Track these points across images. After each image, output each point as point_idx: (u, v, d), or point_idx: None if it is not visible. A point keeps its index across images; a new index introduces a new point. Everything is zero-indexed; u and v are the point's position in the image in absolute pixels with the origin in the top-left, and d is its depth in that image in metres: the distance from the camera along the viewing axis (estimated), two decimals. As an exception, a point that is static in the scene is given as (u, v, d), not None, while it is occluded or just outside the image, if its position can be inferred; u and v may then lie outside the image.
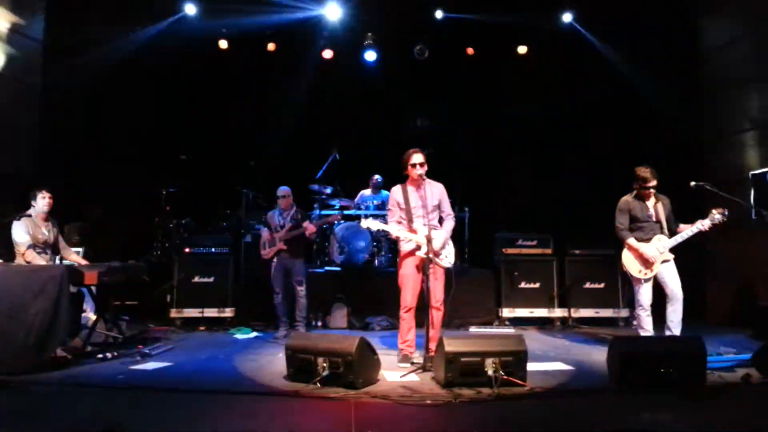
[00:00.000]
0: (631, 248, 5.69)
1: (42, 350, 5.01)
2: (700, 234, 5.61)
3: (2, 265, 5.56)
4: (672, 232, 5.67)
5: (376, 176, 9.36)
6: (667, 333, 5.54)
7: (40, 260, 5.90)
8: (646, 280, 5.61)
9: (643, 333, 5.62)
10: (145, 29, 9.42)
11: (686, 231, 5.55)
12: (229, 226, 8.86)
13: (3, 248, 6.10)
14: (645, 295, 5.62)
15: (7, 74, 7.89)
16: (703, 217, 5.57)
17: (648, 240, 5.64)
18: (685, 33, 8.95)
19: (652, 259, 5.56)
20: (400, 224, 5.47)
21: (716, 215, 5.45)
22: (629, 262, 5.71)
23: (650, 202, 5.72)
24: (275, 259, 7.00)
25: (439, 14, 9.75)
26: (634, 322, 7.65)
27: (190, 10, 9.42)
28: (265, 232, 7.19)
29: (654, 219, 5.69)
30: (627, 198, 5.83)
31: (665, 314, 5.62)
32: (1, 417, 3.79)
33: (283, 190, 7.22)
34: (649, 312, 5.65)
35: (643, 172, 5.65)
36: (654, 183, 5.64)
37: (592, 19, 9.69)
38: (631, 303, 6.41)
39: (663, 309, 5.68)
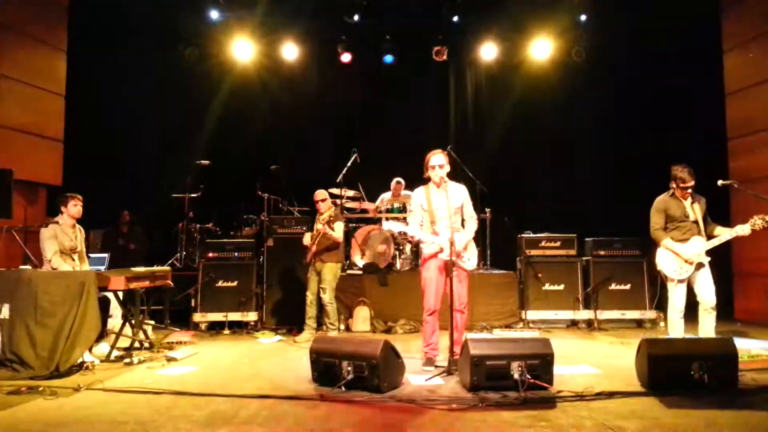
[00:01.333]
0: (667, 249, 5.58)
1: (70, 355, 5.07)
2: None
3: (31, 271, 5.65)
4: (708, 234, 5.56)
5: (397, 178, 9.34)
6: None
7: (66, 267, 5.98)
8: (680, 281, 5.51)
9: (673, 335, 5.52)
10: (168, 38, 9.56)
11: (725, 234, 5.42)
12: (251, 231, 8.91)
13: (32, 255, 6.20)
14: (678, 296, 5.51)
15: (33, 83, 8.05)
16: (730, 216, 5.45)
17: (685, 240, 5.53)
18: (709, 28, 8.83)
19: (690, 260, 5.45)
20: (421, 226, 5.45)
21: (757, 221, 5.31)
22: (664, 262, 5.58)
23: (687, 202, 5.61)
24: (312, 262, 7.02)
25: (455, 18, 9.74)
26: (662, 324, 7.59)
27: (214, 15, 9.53)
28: (306, 237, 7.11)
29: (691, 219, 5.58)
30: (664, 197, 5.72)
31: (697, 318, 5.51)
32: (30, 422, 3.84)
33: (316, 194, 7.17)
34: (682, 314, 5.54)
35: (681, 172, 5.53)
36: (692, 183, 5.52)
37: (612, 15, 9.60)
38: (660, 304, 6.29)
39: (693, 313, 5.57)
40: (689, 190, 5.57)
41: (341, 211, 8.72)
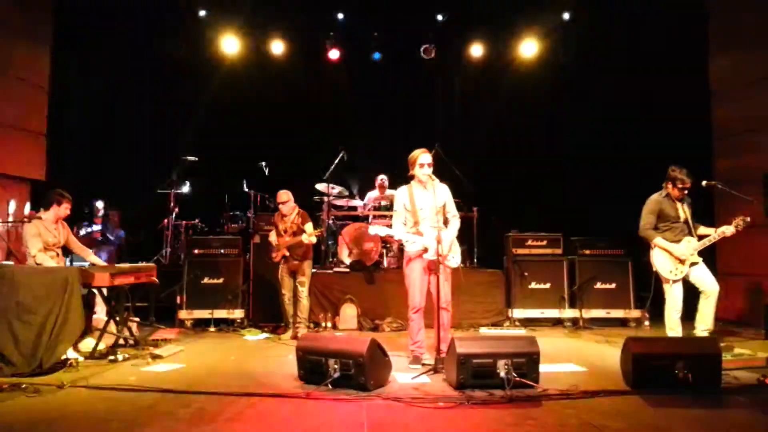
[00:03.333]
0: (661, 248, 5.63)
1: (53, 352, 5.02)
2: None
3: (13, 267, 5.58)
4: (694, 234, 5.64)
5: (382, 176, 9.34)
6: (700, 327, 5.49)
7: (51, 263, 5.91)
8: (676, 281, 5.57)
9: (671, 333, 5.59)
10: (154, 32, 9.47)
11: (712, 235, 5.52)
12: (237, 228, 8.87)
13: (15, 250, 6.13)
14: (675, 296, 5.58)
15: (16, 76, 7.93)
16: (714, 217, 5.54)
17: (678, 241, 5.60)
18: (694, 27, 8.90)
19: (683, 257, 5.52)
20: (405, 225, 5.47)
21: (740, 222, 5.44)
22: (660, 262, 5.64)
23: (678, 203, 5.69)
24: (282, 261, 6.99)
25: (439, 17, 9.74)
26: (646, 323, 7.66)
27: (201, 13, 9.48)
28: (272, 236, 7.15)
29: (682, 220, 5.66)
30: (657, 198, 5.76)
31: (692, 318, 5.58)
32: (12, 420, 3.79)
33: (281, 195, 7.07)
34: (679, 313, 5.60)
35: (681, 173, 5.59)
36: (690, 185, 5.60)
37: (596, 15, 9.65)
38: (652, 303, 6.35)
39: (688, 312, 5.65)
40: (686, 192, 5.64)
41: (329, 208, 8.71)
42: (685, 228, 5.65)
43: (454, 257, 5.47)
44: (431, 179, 5.43)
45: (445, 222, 5.56)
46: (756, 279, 7.79)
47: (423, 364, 5.22)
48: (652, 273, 5.76)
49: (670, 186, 5.67)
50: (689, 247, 5.55)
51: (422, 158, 5.43)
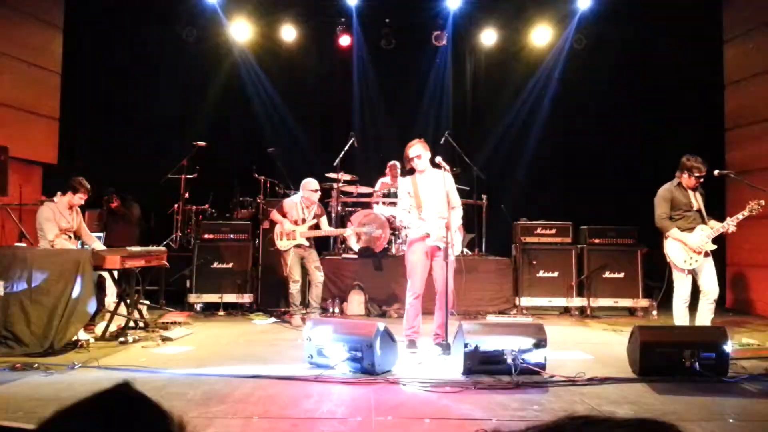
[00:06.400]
0: (675, 239, 5.60)
1: (64, 333, 5.09)
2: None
3: (26, 249, 5.64)
4: (707, 222, 5.61)
5: (394, 162, 9.31)
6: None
7: (68, 246, 5.99)
8: (690, 271, 5.55)
9: (678, 323, 5.57)
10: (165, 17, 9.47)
11: (726, 222, 5.48)
12: (247, 214, 8.90)
13: (27, 233, 6.20)
14: (685, 286, 5.56)
15: (28, 60, 7.97)
16: (726, 207, 5.50)
17: (691, 229, 5.56)
18: (710, 17, 8.81)
19: (698, 249, 5.48)
20: (409, 213, 5.52)
21: (754, 206, 5.39)
22: (674, 252, 5.60)
23: (690, 192, 5.64)
24: (292, 249, 7.01)
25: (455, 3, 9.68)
26: (654, 313, 7.64)
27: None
28: (286, 224, 7.00)
29: (695, 208, 5.62)
30: (669, 187, 5.72)
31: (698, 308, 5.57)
32: (24, 398, 3.85)
33: (314, 183, 7.05)
34: (687, 303, 5.59)
35: (696, 161, 5.54)
36: (705, 173, 5.55)
37: (613, 3, 9.56)
38: (663, 294, 6.34)
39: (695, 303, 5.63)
40: (701, 180, 5.60)
41: (338, 194, 8.72)
42: (698, 216, 5.61)
43: (455, 246, 5.50)
44: (435, 166, 5.50)
45: (449, 210, 5.60)
46: (765, 269, 7.75)
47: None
48: (665, 263, 5.73)
49: (685, 176, 5.60)
50: (703, 235, 5.51)
51: (410, 152, 5.51)
